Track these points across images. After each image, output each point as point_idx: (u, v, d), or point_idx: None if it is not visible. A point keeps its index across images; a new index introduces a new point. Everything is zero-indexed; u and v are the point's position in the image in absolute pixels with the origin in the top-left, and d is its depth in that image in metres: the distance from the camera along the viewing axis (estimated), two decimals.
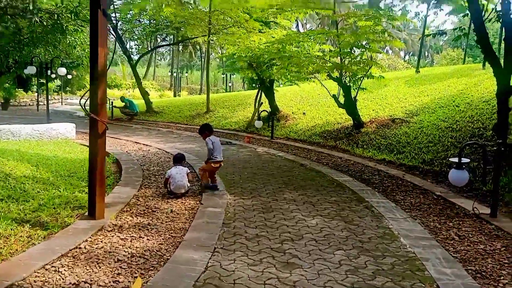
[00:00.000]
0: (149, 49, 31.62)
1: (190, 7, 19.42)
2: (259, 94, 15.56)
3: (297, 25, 52.01)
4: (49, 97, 34.36)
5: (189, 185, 6.12)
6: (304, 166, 8.67)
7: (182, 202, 5.74)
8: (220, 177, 7.22)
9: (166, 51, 77.45)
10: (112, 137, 12.59)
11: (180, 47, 53.14)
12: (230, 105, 19.60)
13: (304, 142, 12.07)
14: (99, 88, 4.51)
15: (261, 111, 13.95)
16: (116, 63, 70.44)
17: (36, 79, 36.85)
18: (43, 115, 19.16)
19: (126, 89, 41.26)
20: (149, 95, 21.08)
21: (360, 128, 11.57)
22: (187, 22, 17.05)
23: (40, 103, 29.60)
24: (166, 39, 27.56)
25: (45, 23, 12.22)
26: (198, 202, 5.72)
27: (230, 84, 52.22)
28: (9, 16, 11.13)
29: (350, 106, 11.64)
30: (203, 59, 54.36)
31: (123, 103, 18.08)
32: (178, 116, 18.66)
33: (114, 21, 18.69)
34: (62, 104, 29.64)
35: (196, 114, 18.40)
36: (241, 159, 9.38)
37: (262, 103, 15.22)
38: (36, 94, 35.67)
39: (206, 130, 6.61)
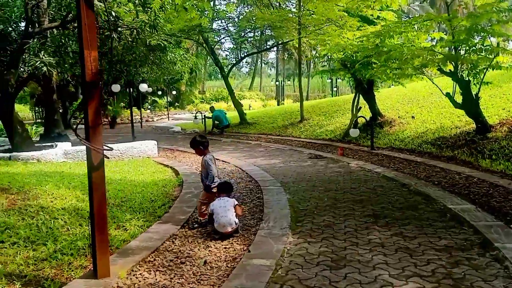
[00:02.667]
0: (240, 57, 31.13)
1: (274, 8, 18.08)
2: (357, 98, 13.59)
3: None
4: (159, 113, 36.34)
5: (237, 221, 4.70)
6: (407, 187, 6.66)
7: (225, 247, 4.34)
8: (289, 205, 5.69)
9: (270, 61, 77.94)
10: (192, 152, 11.83)
11: (285, 56, 52.44)
12: (327, 112, 17.81)
13: (411, 152, 9.86)
14: (91, 103, 3.34)
15: (358, 117, 12.00)
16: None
17: (149, 96, 39.42)
18: (142, 132, 19.59)
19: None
20: (242, 106, 20.33)
21: (486, 133, 9.03)
22: (274, 25, 15.82)
23: (149, 119, 31.20)
24: (257, 46, 26.68)
25: (129, 39, 11.88)
26: (246, 248, 4.27)
27: (335, 89, 49.96)
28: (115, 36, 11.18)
29: (470, 105, 9.17)
30: (309, 65, 53.00)
31: (213, 115, 17.47)
32: (271, 126, 17.46)
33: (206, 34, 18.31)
34: (168, 119, 30.66)
35: (289, 124, 17.01)
36: (325, 178, 7.69)
37: (360, 107, 13.23)
38: (148, 111, 38.01)
39: (199, 145, 5.18)
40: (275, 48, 38.41)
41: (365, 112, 13.51)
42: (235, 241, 4.49)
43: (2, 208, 5.17)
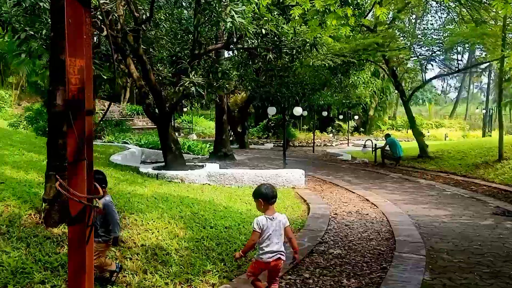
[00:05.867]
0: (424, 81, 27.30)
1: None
2: None
3: None
4: (341, 137, 35.22)
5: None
6: None
7: None
8: None
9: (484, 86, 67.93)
10: (344, 187, 10.24)
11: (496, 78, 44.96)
12: None
13: None
14: (70, 131, 2.41)
15: None
16: (423, 102, 67.07)
17: (336, 120, 38.81)
18: (308, 157, 18.75)
19: (427, 130, 37.15)
20: (423, 136, 17.45)
21: None
22: (470, 41, 12.92)
23: (328, 143, 30.36)
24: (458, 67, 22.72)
25: (286, 59, 11.20)
26: None
27: None
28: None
29: None
30: None
31: (385, 143, 15.31)
32: (457, 164, 14.26)
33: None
34: (348, 145, 29.25)
35: (482, 162, 13.57)
36: (503, 253, 5.20)
37: None
38: (331, 135, 37.32)
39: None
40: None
41: None
42: None
43: None
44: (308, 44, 10.66)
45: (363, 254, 5.15)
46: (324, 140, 30.69)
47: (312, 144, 24.42)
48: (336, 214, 7.44)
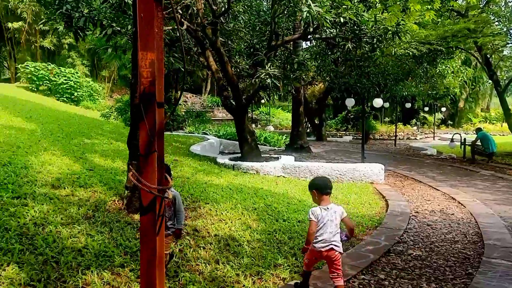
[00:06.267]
0: None
1: None
2: None
3: None
4: (426, 131, 33.24)
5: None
6: None
7: None
8: None
9: None
10: (428, 184, 9.63)
11: None
12: None
13: None
14: (142, 124, 2.48)
15: None
16: None
17: (420, 112, 36.74)
18: (389, 151, 17.92)
19: None
20: None
21: None
22: None
23: (412, 137, 28.78)
24: None
25: (366, 48, 10.70)
26: None
27: None
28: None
29: None
30: None
31: (476, 138, 14.08)
32: None
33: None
34: (434, 139, 27.52)
35: None
36: None
37: None
38: (415, 128, 35.38)
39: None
40: None
41: None
42: None
43: None
44: (390, 32, 10.12)
45: (446, 257, 4.77)
46: (407, 133, 29.17)
47: (394, 137, 23.33)
48: (417, 212, 7.00)
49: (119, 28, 7.03)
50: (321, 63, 13.86)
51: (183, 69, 9.11)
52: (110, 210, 4.89)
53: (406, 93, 26.29)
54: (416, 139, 28.25)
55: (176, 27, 7.81)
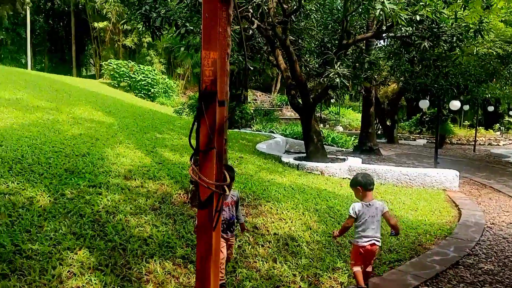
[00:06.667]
0: None
1: None
2: None
3: None
4: (510, 136, 30.70)
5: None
6: None
7: None
8: None
9: None
10: (508, 194, 8.92)
11: None
12: None
13: None
14: (203, 121, 2.55)
15: None
16: None
17: (506, 116, 34.01)
18: (473, 158, 16.78)
19: None
20: None
21: None
22: None
23: (494, 142, 26.72)
24: None
25: (445, 47, 10.05)
26: None
27: None
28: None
29: None
30: None
31: None
32: None
33: None
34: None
35: None
36: None
37: None
38: (498, 133, 32.85)
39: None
40: None
41: None
42: None
43: None
44: (471, 30, 9.48)
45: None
46: (489, 139, 27.15)
47: (473, 143, 21.83)
48: (493, 224, 6.49)
49: (192, 28, 7.29)
50: (395, 62, 13.31)
51: (249, 68, 9.19)
52: (175, 203, 5.09)
53: (489, 95, 24.49)
54: (498, 145, 26.22)
55: (246, 26, 7.94)
